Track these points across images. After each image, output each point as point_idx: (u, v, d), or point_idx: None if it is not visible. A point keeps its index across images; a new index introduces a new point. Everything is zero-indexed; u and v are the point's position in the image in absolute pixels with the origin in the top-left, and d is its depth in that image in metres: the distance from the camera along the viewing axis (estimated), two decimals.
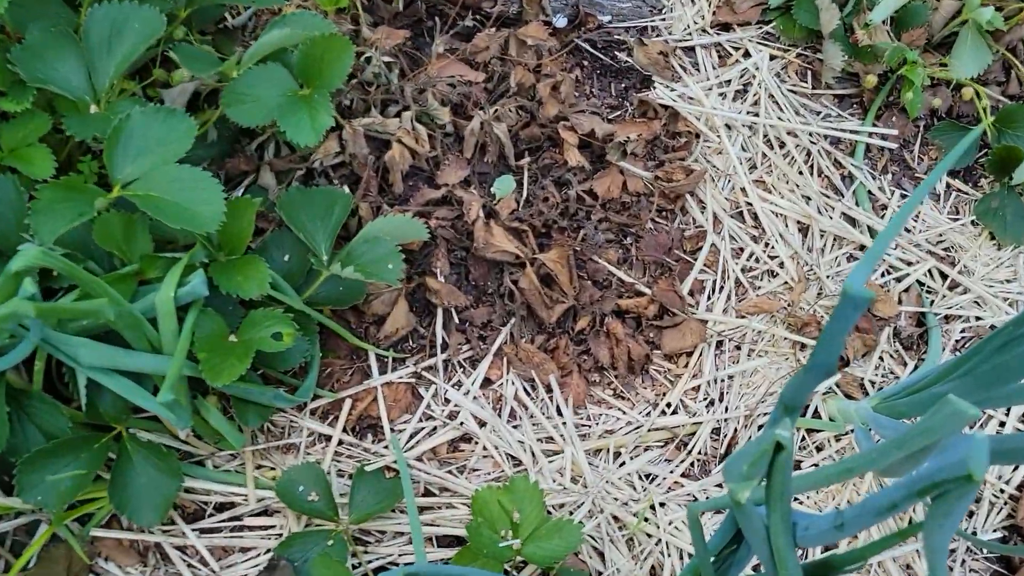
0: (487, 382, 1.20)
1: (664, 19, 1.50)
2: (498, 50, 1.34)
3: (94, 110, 1.08)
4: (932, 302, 1.31)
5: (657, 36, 1.49)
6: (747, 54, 1.47)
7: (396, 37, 1.30)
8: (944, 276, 1.33)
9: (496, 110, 1.27)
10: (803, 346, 1.25)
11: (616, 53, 1.46)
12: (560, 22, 1.42)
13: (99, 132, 1.03)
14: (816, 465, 1.19)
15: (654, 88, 1.40)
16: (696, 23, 1.49)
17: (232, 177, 1.26)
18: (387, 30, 1.31)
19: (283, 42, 1.11)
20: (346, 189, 1.25)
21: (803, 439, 1.20)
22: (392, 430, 1.15)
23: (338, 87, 1.12)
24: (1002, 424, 1.25)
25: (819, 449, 1.20)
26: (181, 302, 1.00)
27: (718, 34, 1.49)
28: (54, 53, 1.07)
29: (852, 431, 1.19)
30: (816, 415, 1.22)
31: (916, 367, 1.26)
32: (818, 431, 1.20)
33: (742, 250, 1.31)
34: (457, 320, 1.22)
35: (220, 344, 1.03)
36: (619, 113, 1.40)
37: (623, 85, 1.44)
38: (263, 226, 1.21)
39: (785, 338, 1.25)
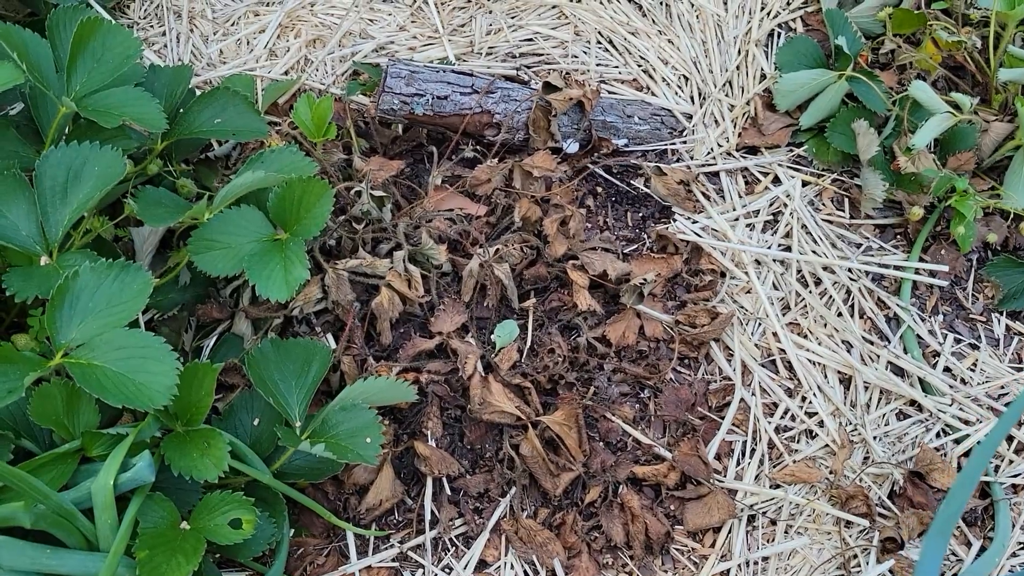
0: (482, 564, 1.04)
1: (685, 142, 1.38)
2: (501, 182, 1.22)
3: (45, 262, 0.97)
4: (997, 468, 1.14)
5: (678, 161, 1.37)
6: (777, 180, 1.35)
7: (390, 169, 1.19)
8: (1010, 438, 1.16)
9: (498, 249, 1.15)
10: (848, 523, 1.08)
11: (633, 180, 1.34)
12: (571, 147, 1.31)
13: (42, 291, 0.92)
14: None
15: (674, 220, 1.28)
16: (720, 146, 1.37)
17: (204, 324, 1.14)
18: (380, 161, 1.20)
19: (257, 185, 1.00)
20: (330, 339, 1.12)
21: None
22: None
23: (316, 234, 1.00)
24: None
25: None
26: (124, 489, 0.87)
27: (744, 158, 1.36)
28: (4, 199, 0.97)
29: None
30: None
31: (982, 549, 1.08)
32: None
33: (775, 405, 1.16)
34: (449, 490, 1.07)
35: (167, 537, 0.89)
36: (636, 247, 1.27)
37: (640, 214, 1.32)
38: (234, 381, 1.08)
39: (827, 514, 1.09)
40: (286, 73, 1.42)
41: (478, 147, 1.27)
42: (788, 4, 1.52)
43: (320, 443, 0.91)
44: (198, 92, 1.26)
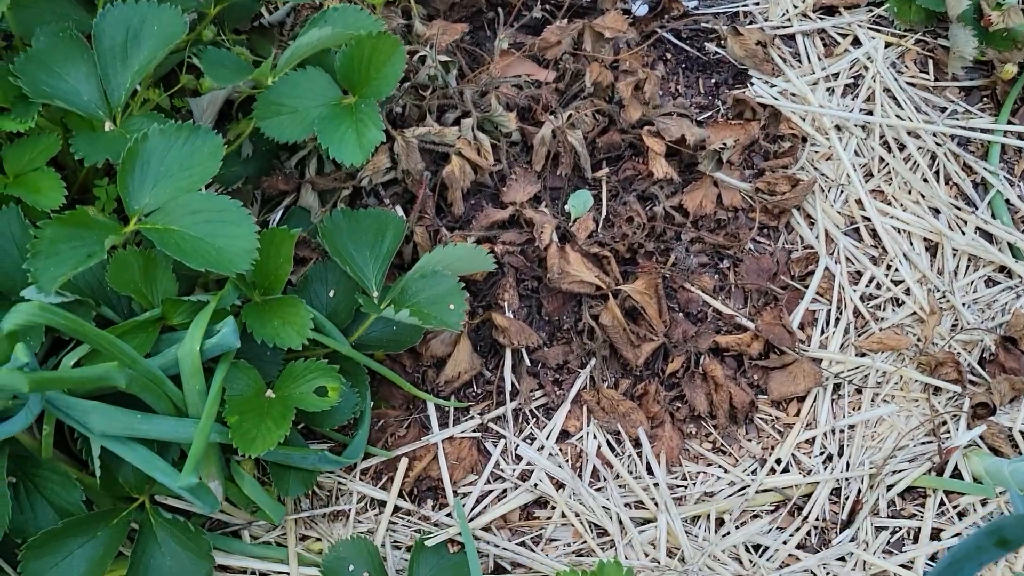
0: (564, 435, 1.03)
1: (758, 3, 1.30)
2: (570, 45, 1.16)
3: (109, 127, 0.93)
4: None
5: (751, 23, 1.29)
6: (856, 42, 1.27)
7: (454, 32, 1.13)
8: None
9: (570, 115, 1.10)
10: (937, 390, 1.06)
11: (704, 44, 1.27)
12: (640, 10, 1.24)
13: (111, 155, 0.88)
14: (959, 535, 1.00)
15: (751, 84, 1.21)
16: (796, 7, 1.29)
17: (270, 197, 1.11)
18: (443, 24, 1.14)
19: (324, 44, 0.95)
20: (398, 210, 1.09)
21: (941, 503, 1.01)
22: (455, 494, 0.99)
23: (388, 94, 0.95)
24: None
25: (961, 515, 1.01)
26: (209, 356, 0.85)
27: (821, 19, 1.29)
28: (62, 62, 0.92)
29: (1004, 494, 0.99)
30: (956, 474, 1.02)
31: None
32: (960, 494, 1.01)
33: (860, 274, 1.12)
34: (528, 362, 1.05)
35: (254, 404, 0.87)
36: (710, 114, 1.21)
37: (713, 81, 1.25)
38: (305, 255, 1.05)
39: (916, 380, 1.06)
40: None
41: (545, 6, 1.20)
42: None
43: (404, 309, 0.88)
44: None
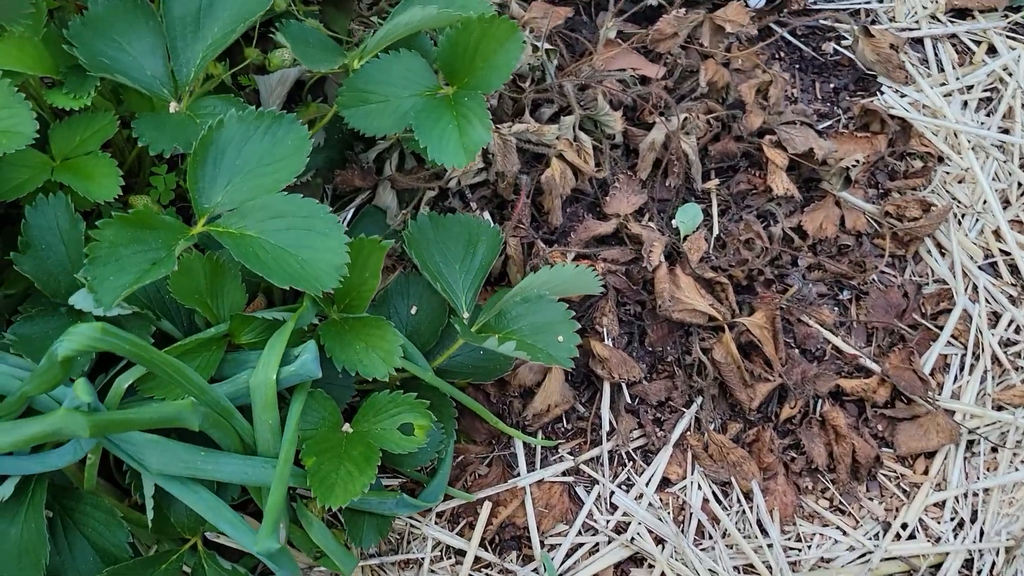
0: (665, 483, 0.91)
1: (882, 1, 1.17)
2: (684, 38, 1.03)
3: (174, 108, 0.80)
4: None
5: (873, 23, 1.16)
6: (992, 50, 1.14)
7: (557, 17, 1.00)
8: None
9: (686, 118, 0.97)
10: None
11: (821, 44, 1.14)
12: (757, 1, 1.11)
13: (180, 142, 0.76)
14: None
15: (881, 93, 1.08)
16: (924, 8, 1.16)
17: (342, 194, 0.98)
18: (543, 7, 1.01)
19: (426, 24, 0.82)
20: (487, 216, 0.96)
21: None
22: (543, 544, 0.87)
23: (498, 88, 0.83)
24: None
25: None
26: (285, 385, 0.73)
27: (953, 22, 1.16)
28: (124, 30, 0.80)
29: None
30: None
31: None
32: None
33: (997, 316, 1.00)
34: (628, 397, 0.93)
35: (332, 442, 0.75)
36: (830, 123, 1.09)
37: (831, 85, 1.12)
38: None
39: None
40: None
41: None
42: None
43: (509, 341, 0.76)
44: None
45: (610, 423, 0.92)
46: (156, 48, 0.80)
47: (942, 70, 1.12)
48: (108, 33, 0.79)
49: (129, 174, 0.90)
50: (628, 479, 0.91)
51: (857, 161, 0.98)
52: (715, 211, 1.00)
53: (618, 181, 0.98)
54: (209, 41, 0.80)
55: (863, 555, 0.89)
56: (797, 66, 1.13)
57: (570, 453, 0.91)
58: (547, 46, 0.98)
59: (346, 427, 0.78)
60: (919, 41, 1.15)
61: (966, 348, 0.97)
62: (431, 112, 0.82)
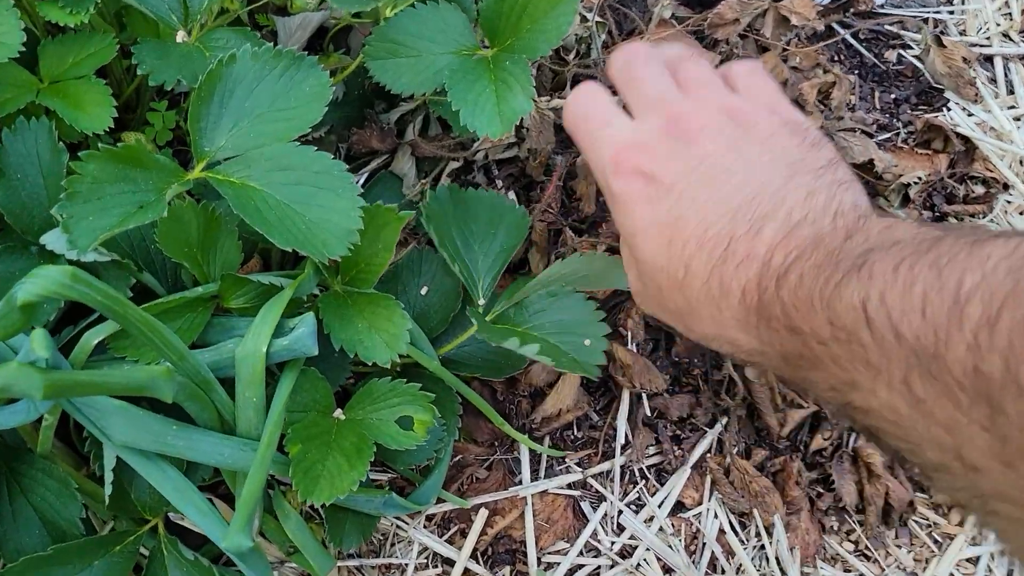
0: (679, 507, 0.83)
1: (953, 11, 1.09)
2: (745, 26, 0.94)
3: (182, 38, 0.72)
4: None
5: (941, 33, 1.08)
6: None
7: None
8: None
9: None
10: None
11: (884, 50, 1.06)
12: None
13: (186, 76, 0.67)
14: None
15: (948, 109, 1.00)
16: (998, 24, 1.08)
17: (356, 155, 0.89)
18: None
19: None
20: (512, 196, 0.88)
21: None
22: (540, 562, 0.79)
23: (546, 53, 0.74)
24: None
25: None
26: (275, 360, 0.65)
27: None
28: None
29: None
30: None
31: None
32: None
33: None
34: (647, 409, 0.85)
35: (321, 428, 0.67)
36: (888, 136, 1.01)
37: (892, 96, 1.04)
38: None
39: None
40: None
41: None
42: None
43: (533, 342, 0.68)
44: None
45: (625, 436, 0.84)
46: None
47: (1012, 92, 1.04)
48: None
49: (125, 108, 0.82)
50: (639, 499, 0.82)
51: (919, 178, 0.90)
52: None
53: None
54: None
55: None
56: (857, 72, 1.05)
57: (578, 464, 0.83)
58: (597, 18, 0.89)
59: (338, 413, 0.69)
60: (989, 59, 1.07)
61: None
62: (468, 73, 0.74)
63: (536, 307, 0.74)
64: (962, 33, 1.08)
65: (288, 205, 0.63)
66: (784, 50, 0.97)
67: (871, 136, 0.95)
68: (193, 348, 0.66)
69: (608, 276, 0.77)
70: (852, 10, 1.04)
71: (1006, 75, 1.06)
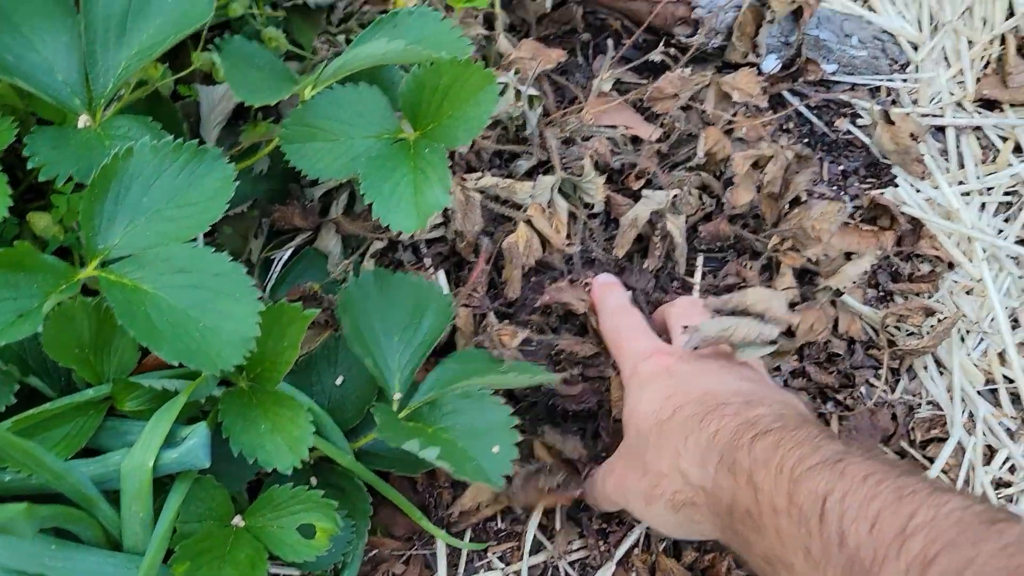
0: None
1: (906, 80, 1.07)
2: (687, 99, 0.92)
3: (85, 123, 0.69)
4: None
5: (894, 103, 1.06)
6: (1018, 149, 1.05)
7: (548, 60, 0.89)
8: None
9: (675, 195, 0.86)
10: None
11: (834, 118, 1.04)
12: (769, 64, 1.00)
13: (78, 170, 0.64)
14: None
15: (896, 186, 0.98)
16: (952, 93, 1.06)
17: (280, 231, 0.87)
18: (534, 47, 0.90)
19: (390, 59, 0.71)
20: (441, 277, 0.85)
21: None
22: None
23: (465, 143, 0.72)
24: None
25: None
26: (164, 472, 0.62)
27: (979, 113, 1.06)
28: (35, 24, 0.68)
29: None
30: None
31: None
32: None
33: (992, 451, 0.90)
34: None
35: (215, 541, 0.64)
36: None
37: (841, 167, 1.02)
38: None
39: None
40: None
41: (668, 48, 0.96)
42: None
43: (433, 447, 0.65)
44: None
45: (549, 530, 0.81)
46: (72, 50, 0.68)
47: (963, 166, 1.02)
48: (15, 24, 0.67)
49: (30, 190, 0.79)
50: None
51: (891, 259, 0.88)
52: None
53: (590, 254, 0.87)
54: (135, 49, 0.69)
55: None
56: (806, 140, 1.03)
57: (500, 559, 0.80)
58: (532, 92, 0.87)
59: (237, 520, 0.67)
60: (941, 130, 1.05)
61: (956, 484, 0.87)
62: (386, 161, 0.71)
63: (449, 407, 0.71)
64: (915, 102, 1.06)
65: (182, 310, 0.60)
66: (730, 122, 0.95)
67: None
68: (85, 453, 0.63)
69: (534, 381, 0.74)
70: (802, 79, 1.02)
71: (957, 147, 1.04)
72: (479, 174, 0.84)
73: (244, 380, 0.69)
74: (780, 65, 1.00)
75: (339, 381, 0.77)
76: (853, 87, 1.06)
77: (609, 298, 0.81)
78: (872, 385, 0.91)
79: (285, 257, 0.86)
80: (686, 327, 0.75)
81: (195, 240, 0.63)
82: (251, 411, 0.67)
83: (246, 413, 0.67)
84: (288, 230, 0.85)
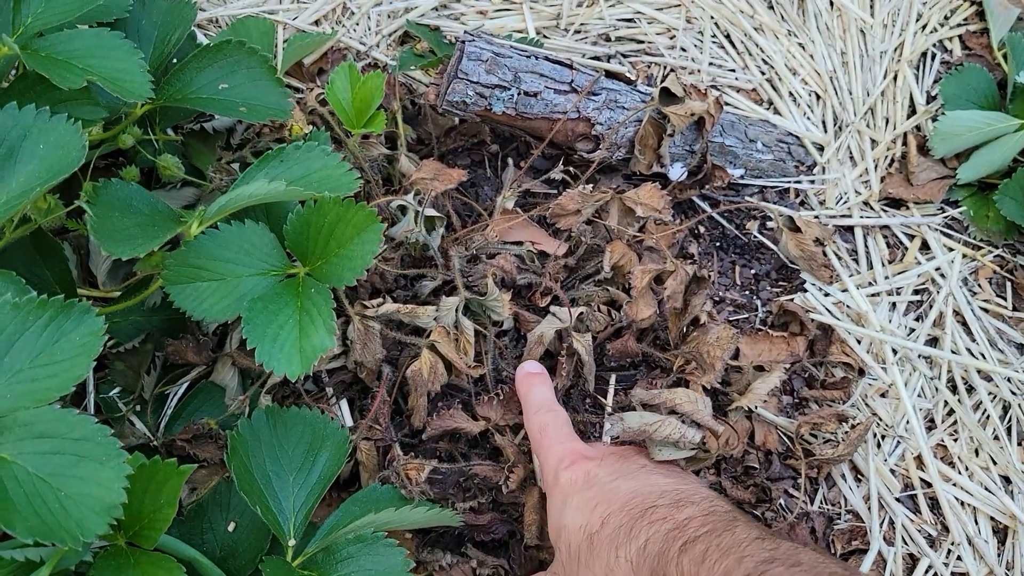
0: None
1: (814, 181, 1.08)
2: (591, 214, 0.92)
3: None
4: None
5: (802, 204, 1.07)
6: (925, 246, 1.06)
7: (448, 180, 0.88)
8: None
9: (582, 312, 0.85)
10: None
11: (745, 221, 1.05)
12: (676, 173, 1.01)
13: None
14: None
15: (804, 292, 0.99)
16: (858, 193, 1.08)
17: (175, 366, 0.84)
18: (435, 167, 0.90)
19: (272, 198, 0.70)
20: (344, 408, 0.83)
21: None
22: None
23: (350, 283, 0.70)
24: None
25: None
26: None
27: (886, 211, 1.07)
28: None
29: None
30: None
31: None
32: None
33: (914, 559, 0.89)
34: None
35: None
36: (745, 315, 0.98)
37: (752, 271, 1.02)
38: (207, 456, 0.79)
39: None
40: (317, 23, 1.10)
41: (568, 164, 0.96)
42: (947, 19, 1.22)
43: None
44: (201, 37, 0.95)
45: None
46: None
47: (871, 267, 1.03)
48: None
49: None
50: None
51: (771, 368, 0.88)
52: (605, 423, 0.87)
53: (503, 374, 0.85)
54: (4, 197, 0.67)
55: None
56: (718, 244, 1.03)
57: None
58: (433, 213, 0.86)
59: None
60: (849, 230, 1.06)
61: None
62: (272, 301, 0.70)
63: (344, 553, 0.68)
64: (822, 203, 1.07)
65: (42, 479, 0.57)
66: (639, 231, 0.95)
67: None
68: None
69: (433, 521, 0.72)
70: (710, 184, 1.02)
71: (865, 246, 1.05)
72: (380, 299, 0.82)
73: (121, 538, 0.65)
74: (686, 172, 1.00)
75: (232, 528, 0.73)
76: (762, 190, 1.07)
77: (533, 392, 0.80)
78: (791, 496, 0.90)
79: (180, 392, 0.83)
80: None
81: (60, 400, 0.60)
82: (126, 573, 0.63)
83: (122, 574, 0.63)
84: (182, 365, 0.83)
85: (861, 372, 0.95)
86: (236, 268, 0.71)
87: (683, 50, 1.15)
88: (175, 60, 0.85)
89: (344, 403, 0.83)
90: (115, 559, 0.64)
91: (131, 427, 0.81)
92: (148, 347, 0.83)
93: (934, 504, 0.91)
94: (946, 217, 1.07)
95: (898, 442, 0.93)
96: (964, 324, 1.01)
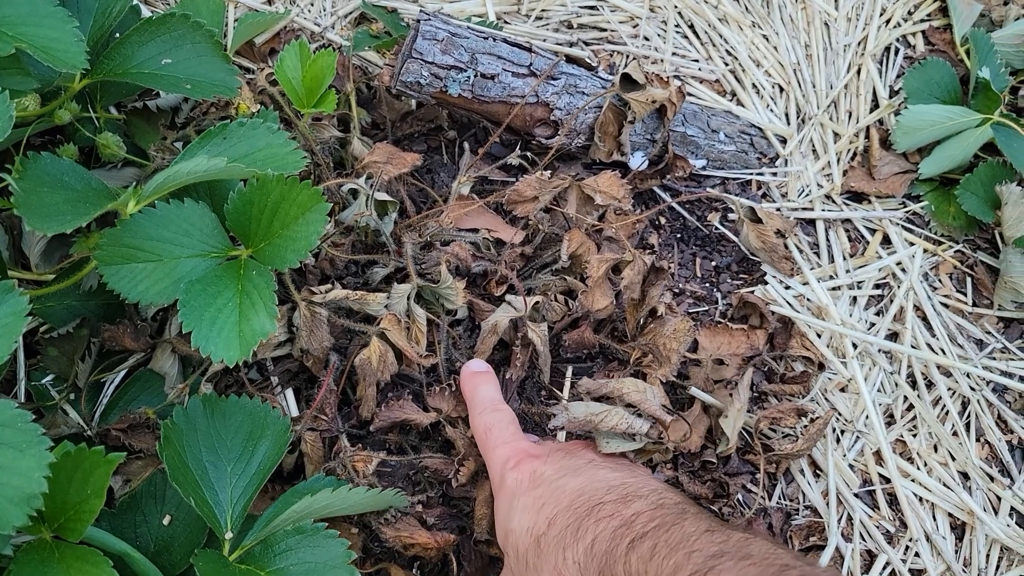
0: None
1: (776, 173, 1.07)
2: (549, 201, 0.90)
3: None
4: None
5: (764, 196, 1.06)
6: (887, 240, 1.05)
7: (402, 164, 0.86)
8: None
9: (537, 302, 0.83)
10: None
11: (707, 213, 1.03)
12: (636, 162, 0.99)
13: None
14: None
15: (765, 284, 0.97)
16: (820, 186, 1.07)
17: (111, 353, 0.80)
18: (388, 151, 0.87)
19: (212, 176, 0.67)
20: (289, 397, 0.80)
21: None
22: None
23: (293, 264, 0.67)
24: None
25: None
26: None
27: (847, 205, 1.06)
28: None
29: None
30: None
31: None
32: None
33: (872, 556, 0.87)
34: None
35: None
36: (706, 308, 0.97)
37: (713, 263, 1.01)
38: (144, 447, 0.76)
39: None
40: (270, 2, 1.07)
41: (526, 151, 0.94)
42: (910, 14, 1.22)
43: None
44: (146, 12, 0.91)
45: None
46: None
47: (832, 260, 1.02)
48: None
49: None
50: None
51: (726, 361, 0.86)
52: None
53: (457, 365, 0.83)
54: None
55: None
56: (679, 236, 1.02)
57: None
58: (385, 197, 0.83)
59: None
60: (811, 223, 1.05)
61: None
62: (211, 283, 0.66)
63: (283, 546, 0.65)
64: (784, 195, 1.06)
65: None
66: (598, 221, 0.93)
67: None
68: None
69: (372, 504, 0.69)
70: (671, 175, 1.01)
71: (827, 240, 1.03)
72: (329, 286, 0.79)
73: (47, 530, 0.62)
74: (647, 162, 0.98)
75: (167, 521, 0.70)
76: (724, 181, 1.06)
77: (478, 392, 0.77)
78: (749, 491, 0.88)
79: (117, 380, 0.79)
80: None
81: None
82: (51, 568, 0.60)
83: (45, 572, 0.59)
84: (119, 351, 0.79)
85: (821, 366, 0.93)
86: (174, 249, 0.68)
87: (646, 39, 1.14)
88: (117, 34, 0.82)
89: (290, 392, 0.80)
90: (38, 553, 0.60)
91: (64, 416, 0.77)
92: (84, 333, 0.79)
93: (892, 500, 0.90)
94: (908, 211, 1.07)
95: (857, 437, 0.92)
96: (924, 319, 1.00)
